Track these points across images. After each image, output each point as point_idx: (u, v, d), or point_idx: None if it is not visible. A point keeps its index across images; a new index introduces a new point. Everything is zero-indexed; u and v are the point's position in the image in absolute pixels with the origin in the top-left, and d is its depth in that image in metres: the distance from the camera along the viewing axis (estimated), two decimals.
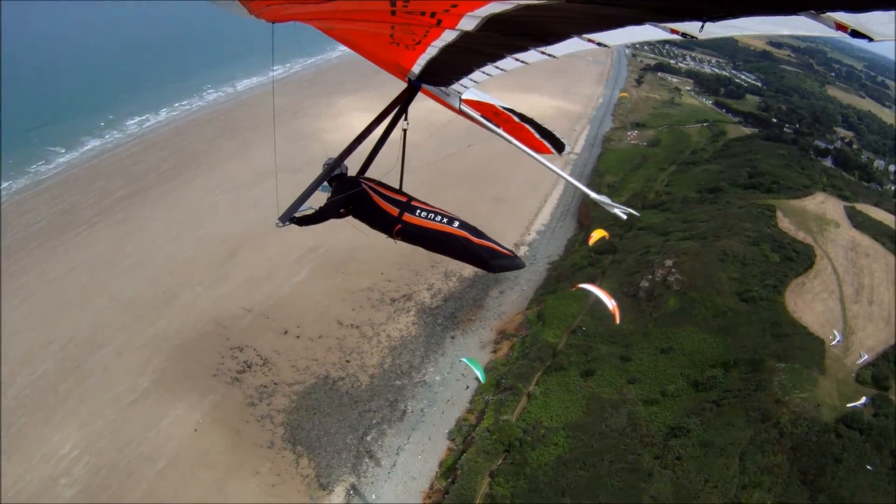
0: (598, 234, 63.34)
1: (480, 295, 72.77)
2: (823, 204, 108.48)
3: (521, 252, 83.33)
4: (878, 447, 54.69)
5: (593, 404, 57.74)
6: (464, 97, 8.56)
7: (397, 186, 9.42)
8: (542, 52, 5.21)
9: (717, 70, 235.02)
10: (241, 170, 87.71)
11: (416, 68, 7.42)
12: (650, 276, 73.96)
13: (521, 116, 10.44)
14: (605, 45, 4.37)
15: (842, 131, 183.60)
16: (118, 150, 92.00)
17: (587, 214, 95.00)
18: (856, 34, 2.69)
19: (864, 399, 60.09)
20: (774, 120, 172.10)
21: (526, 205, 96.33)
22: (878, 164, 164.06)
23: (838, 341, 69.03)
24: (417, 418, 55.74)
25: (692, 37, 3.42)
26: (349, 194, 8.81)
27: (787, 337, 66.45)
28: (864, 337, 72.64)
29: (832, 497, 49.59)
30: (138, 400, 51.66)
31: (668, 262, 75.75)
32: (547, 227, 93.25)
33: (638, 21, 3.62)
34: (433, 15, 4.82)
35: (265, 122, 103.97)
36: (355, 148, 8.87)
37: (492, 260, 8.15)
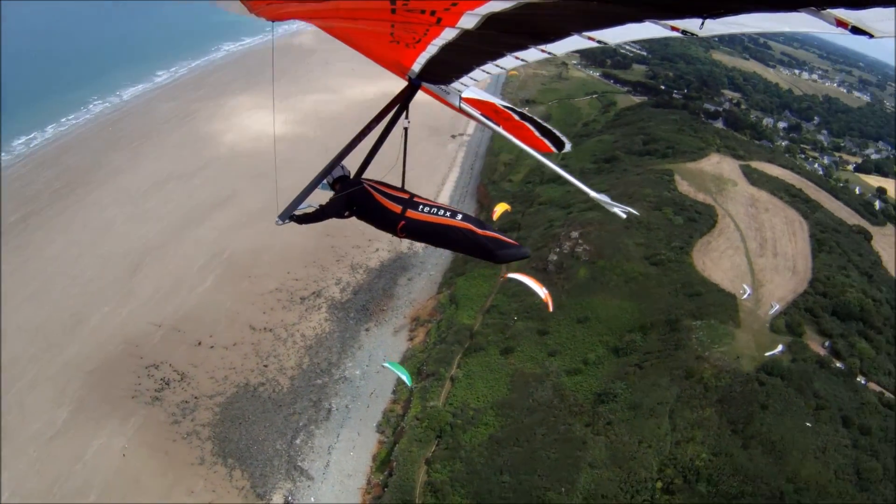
0: (500, 209, 63.42)
1: (389, 284, 72.55)
2: (719, 164, 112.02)
3: None
4: (801, 390, 56.70)
5: (517, 381, 58.34)
6: (464, 96, 8.46)
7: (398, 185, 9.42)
8: (543, 51, 5.20)
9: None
10: (134, 181, 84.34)
11: (416, 67, 7.38)
12: (557, 249, 74.83)
13: (521, 115, 10.47)
14: (605, 44, 4.37)
15: (729, 93, 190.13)
16: (7, 173, 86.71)
17: (486, 194, 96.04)
18: (856, 30, 2.66)
19: (780, 347, 62.39)
20: (663, 87, 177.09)
21: (424, 190, 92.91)
22: (767, 121, 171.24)
23: (749, 295, 71.33)
24: (343, 415, 55.21)
25: (693, 34, 3.38)
26: (351, 193, 8.79)
27: (700, 295, 68.27)
28: (773, 288, 75.21)
29: (763, 442, 51.04)
30: (59, 433, 49.24)
31: (574, 234, 76.83)
32: None
33: (638, 18, 3.61)
34: (433, 13, 4.80)
35: (154, 130, 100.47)
36: (355, 147, 8.90)
37: (497, 250, 7.97)
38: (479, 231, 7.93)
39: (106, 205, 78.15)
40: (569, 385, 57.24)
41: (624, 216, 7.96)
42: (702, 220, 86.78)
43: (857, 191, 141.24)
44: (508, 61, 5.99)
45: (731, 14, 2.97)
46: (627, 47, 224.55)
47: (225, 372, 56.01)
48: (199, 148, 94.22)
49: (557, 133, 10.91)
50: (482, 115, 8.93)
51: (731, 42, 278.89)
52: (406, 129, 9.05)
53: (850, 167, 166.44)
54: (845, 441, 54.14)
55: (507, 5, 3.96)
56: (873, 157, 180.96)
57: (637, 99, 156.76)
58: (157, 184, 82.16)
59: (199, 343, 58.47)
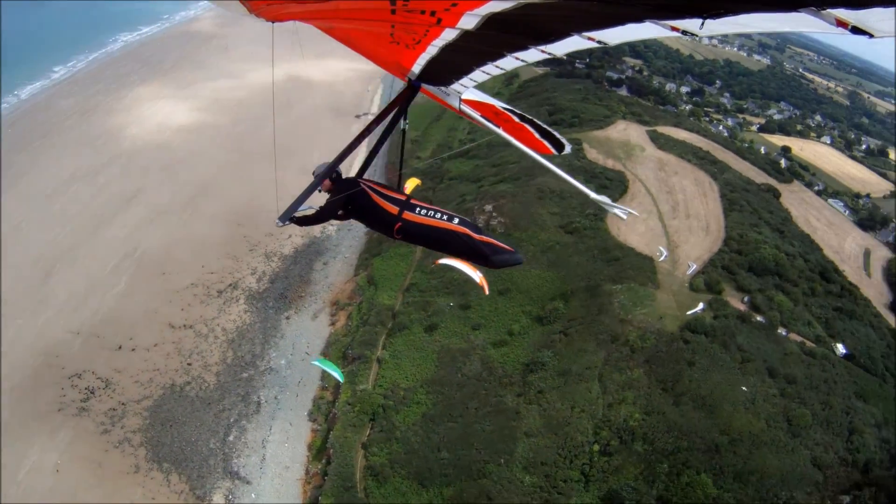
0: (412, 184, 62.40)
1: (306, 270, 71.82)
2: (626, 131, 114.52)
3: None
4: (726, 345, 58.83)
5: (444, 357, 58.77)
6: (463, 97, 8.48)
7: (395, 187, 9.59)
8: (543, 51, 5.22)
9: None
10: (39, 183, 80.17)
11: (416, 68, 7.40)
12: None
13: (521, 116, 10.61)
14: (605, 44, 4.38)
15: (631, 60, 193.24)
16: None
17: (394, 172, 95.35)
18: (856, 31, 2.67)
19: (701, 305, 64.66)
20: (564, 57, 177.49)
21: None
22: (670, 87, 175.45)
23: (665, 256, 73.47)
24: (274, 407, 54.61)
25: (693, 34, 3.39)
26: (348, 194, 8.67)
27: (618, 260, 69.92)
28: (689, 249, 77.49)
29: (694, 398, 52.75)
30: None
31: (488, 207, 77.52)
32: None
33: (638, 19, 3.62)
34: (433, 14, 4.81)
35: (55, 128, 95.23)
36: (354, 149, 8.89)
37: (493, 255, 8.04)
38: (476, 236, 7.96)
39: (10, 210, 74.83)
40: (496, 357, 57.98)
41: (624, 217, 7.93)
42: (613, 186, 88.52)
43: (762, 150, 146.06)
44: (508, 62, 6.01)
45: (731, 14, 3.00)
46: None
47: (149, 374, 54.42)
48: (102, 144, 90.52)
49: (557, 135, 11.06)
50: (482, 116, 8.92)
51: None
52: (404, 130, 9.21)
53: (754, 128, 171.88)
54: (773, 391, 56.46)
55: (508, 5, 4.00)
56: (776, 117, 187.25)
57: (540, 70, 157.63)
58: (62, 184, 78.64)
59: (120, 347, 56.52)
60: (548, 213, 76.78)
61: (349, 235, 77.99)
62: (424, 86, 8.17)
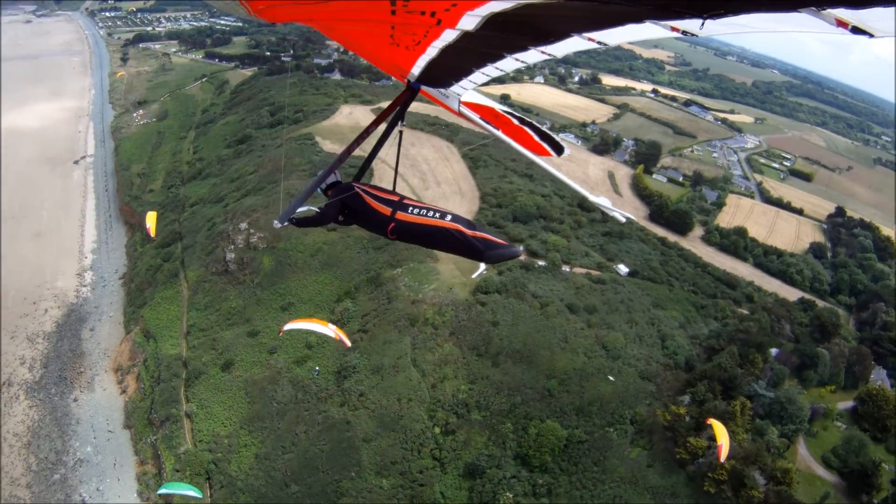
0: (151, 219, 59.10)
1: (75, 342, 66.92)
2: (352, 114, 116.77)
3: (88, 279, 77.74)
4: (520, 296, 62.52)
5: (252, 390, 57.16)
6: (463, 99, 8.45)
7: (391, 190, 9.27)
8: (543, 52, 5.19)
9: (196, 23, 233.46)
10: None
11: (416, 70, 7.23)
12: (232, 246, 73.30)
13: (521, 119, 10.34)
14: (606, 45, 4.40)
15: (334, 43, 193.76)
16: None
17: (131, 212, 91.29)
18: (857, 30, 2.72)
19: (482, 266, 67.23)
20: (268, 53, 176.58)
21: (67, 229, 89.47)
22: None
23: None
24: (99, 500, 50.55)
25: (693, 35, 3.45)
26: (343, 198, 8.80)
27: (389, 244, 70.94)
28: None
29: (510, 354, 55.71)
30: None
31: (243, 226, 75.63)
32: (100, 242, 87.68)
33: (638, 19, 3.66)
34: (433, 14, 4.79)
35: None
36: (352, 151, 8.91)
37: (487, 250, 7.96)
38: (469, 232, 7.99)
39: None
40: (303, 375, 57.52)
41: (623, 220, 7.92)
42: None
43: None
44: (509, 63, 6.02)
45: (731, 14, 3.05)
46: (224, 21, 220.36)
47: None
48: None
49: (556, 137, 10.93)
50: (481, 118, 8.86)
51: None
52: (401, 132, 9.06)
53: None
54: (579, 325, 60.93)
55: (507, 6, 4.04)
56: None
57: (248, 72, 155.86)
58: None
59: None
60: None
61: (106, 292, 74.47)
62: (424, 87, 8.16)
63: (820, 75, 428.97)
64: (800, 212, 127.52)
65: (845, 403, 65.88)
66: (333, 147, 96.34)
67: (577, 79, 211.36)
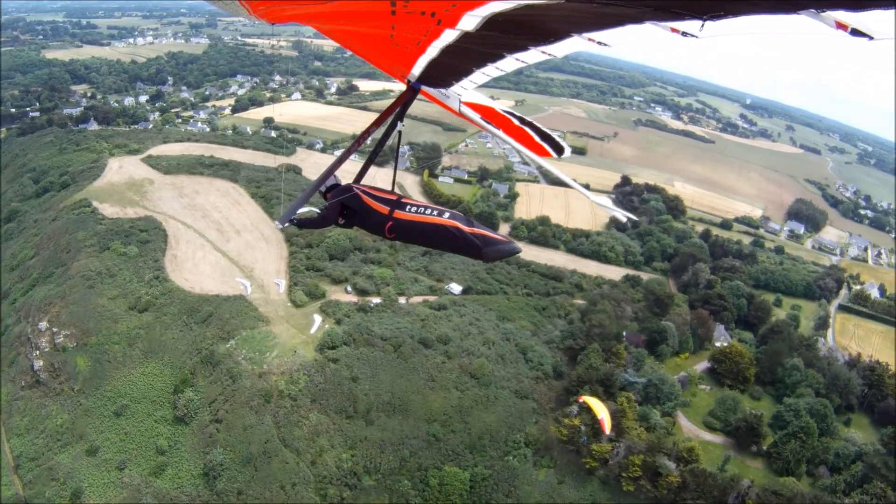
0: None
1: None
2: (122, 169, 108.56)
3: None
4: (370, 343, 60.60)
5: None
6: (463, 99, 8.34)
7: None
8: (543, 52, 5.22)
9: None
10: None
11: (416, 70, 7.22)
12: (36, 352, 65.00)
13: (521, 119, 10.26)
14: (606, 45, 4.33)
15: (80, 88, 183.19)
16: None
17: None
18: (856, 32, 2.70)
19: (316, 318, 65.37)
20: (14, 110, 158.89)
21: None
22: (129, 101, 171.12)
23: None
24: None
25: (692, 35, 3.39)
26: (342, 199, 8.81)
27: (212, 315, 66.52)
28: (264, 265, 77.28)
29: (382, 408, 55.40)
30: None
31: (43, 325, 67.22)
32: None
33: (638, 20, 3.66)
34: (433, 15, 4.79)
35: None
36: (352, 153, 9.01)
37: (485, 247, 7.75)
38: (467, 228, 7.78)
39: None
40: (168, 487, 52.28)
41: (624, 220, 8.13)
42: (153, 236, 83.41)
43: (248, 131, 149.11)
44: (509, 63, 6.01)
45: (731, 16, 3.06)
46: None
47: None
48: None
49: (557, 138, 10.81)
50: (482, 118, 8.83)
51: (57, 34, 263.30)
52: (400, 133, 8.89)
53: (227, 112, 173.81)
54: (439, 359, 59.71)
55: (508, 6, 4.06)
56: (240, 93, 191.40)
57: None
58: None
59: None
60: (109, 300, 69.69)
61: None
62: (424, 88, 8.12)
63: None
64: (587, 187, 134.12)
65: (701, 365, 71.12)
66: (114, 210, 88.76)
67: (333, 89, 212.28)
